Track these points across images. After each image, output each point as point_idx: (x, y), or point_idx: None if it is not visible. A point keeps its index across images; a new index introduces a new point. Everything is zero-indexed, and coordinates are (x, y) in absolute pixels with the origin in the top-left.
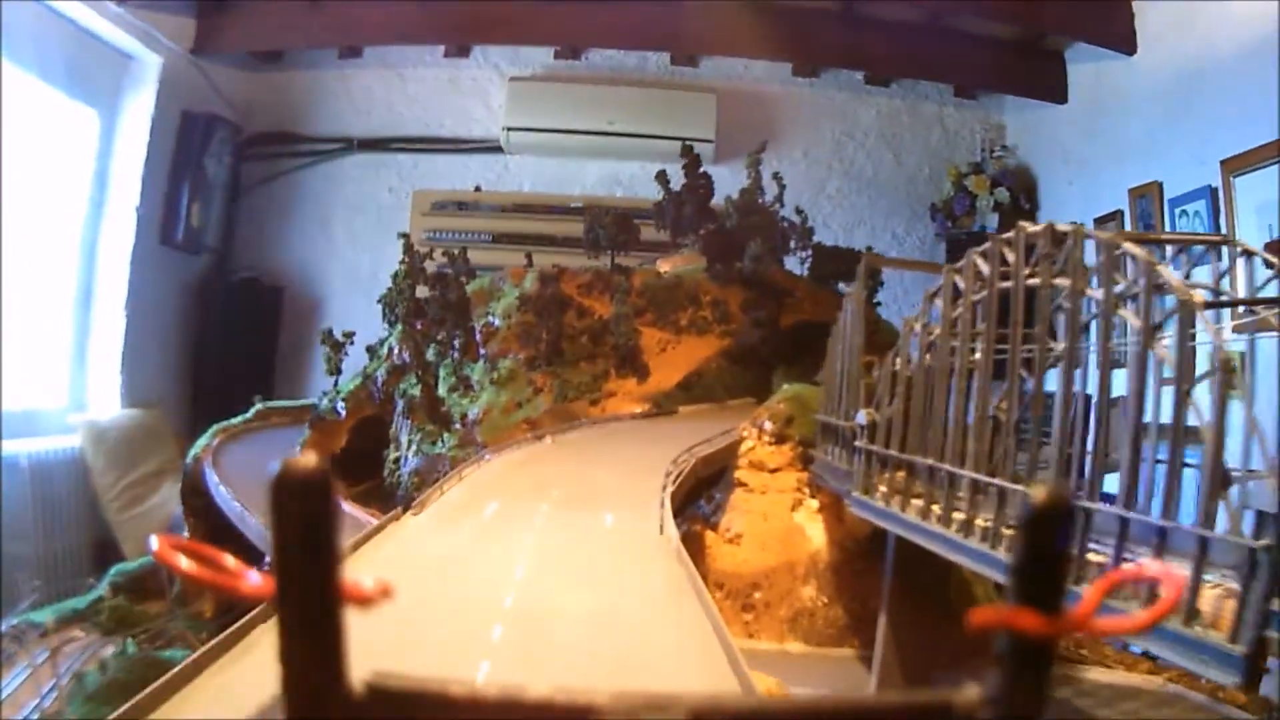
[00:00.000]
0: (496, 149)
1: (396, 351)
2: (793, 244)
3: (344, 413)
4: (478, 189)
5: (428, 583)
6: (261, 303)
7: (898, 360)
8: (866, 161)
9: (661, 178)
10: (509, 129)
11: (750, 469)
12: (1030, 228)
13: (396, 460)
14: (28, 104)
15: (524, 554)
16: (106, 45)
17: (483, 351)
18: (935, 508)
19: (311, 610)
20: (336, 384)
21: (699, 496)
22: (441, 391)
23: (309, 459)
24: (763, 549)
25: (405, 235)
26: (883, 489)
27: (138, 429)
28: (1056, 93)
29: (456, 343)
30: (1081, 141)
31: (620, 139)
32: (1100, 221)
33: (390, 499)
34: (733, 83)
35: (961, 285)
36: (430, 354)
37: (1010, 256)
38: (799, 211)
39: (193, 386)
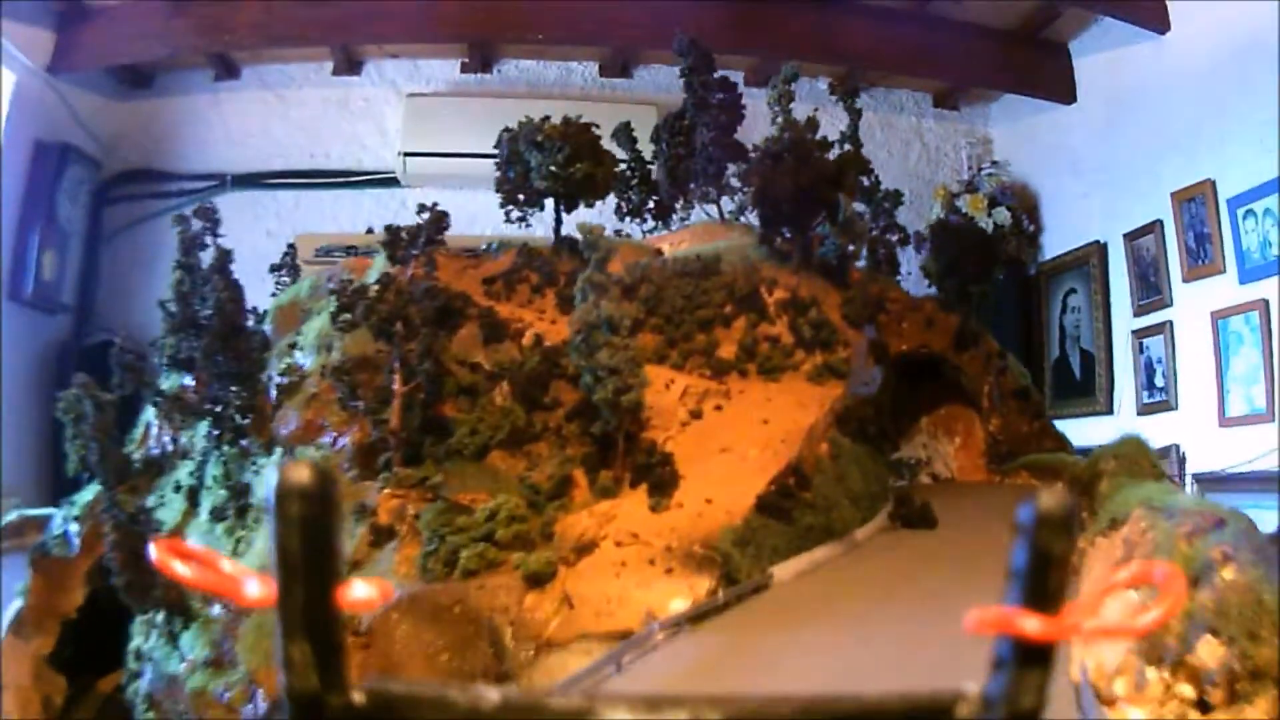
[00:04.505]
0: (393, 181)
1: (154, 431)
2: (878, 222)
3: (77, 544)
4: (369, 231)
5: None
6: (120, 371)
7: None
8: None
9: (624, 131)
10: (405, 154)
11: None
12: None
13: (138, 658)
14: None
15: None
16: None
17: (278, 428)
18: None
19: (312, 614)
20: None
21: None
22: (202, 519)
23: (307, 465)
24: None
25: (182, 219)
26: None
27: None
28: (1062, 91)
29: (235, 411)
30: (1098, 146)
31: None
32: (1133, 236)
33: None
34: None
35: None
36: (200, 435)
37: None
38: (869, 171)
39: (53, 474)
